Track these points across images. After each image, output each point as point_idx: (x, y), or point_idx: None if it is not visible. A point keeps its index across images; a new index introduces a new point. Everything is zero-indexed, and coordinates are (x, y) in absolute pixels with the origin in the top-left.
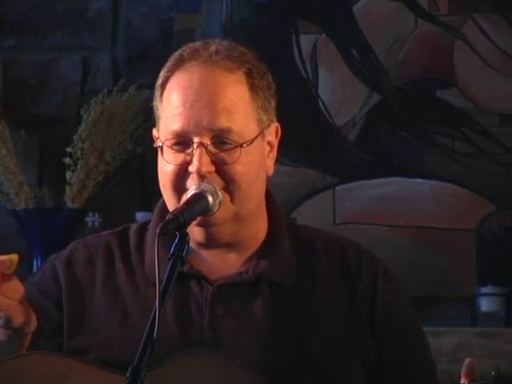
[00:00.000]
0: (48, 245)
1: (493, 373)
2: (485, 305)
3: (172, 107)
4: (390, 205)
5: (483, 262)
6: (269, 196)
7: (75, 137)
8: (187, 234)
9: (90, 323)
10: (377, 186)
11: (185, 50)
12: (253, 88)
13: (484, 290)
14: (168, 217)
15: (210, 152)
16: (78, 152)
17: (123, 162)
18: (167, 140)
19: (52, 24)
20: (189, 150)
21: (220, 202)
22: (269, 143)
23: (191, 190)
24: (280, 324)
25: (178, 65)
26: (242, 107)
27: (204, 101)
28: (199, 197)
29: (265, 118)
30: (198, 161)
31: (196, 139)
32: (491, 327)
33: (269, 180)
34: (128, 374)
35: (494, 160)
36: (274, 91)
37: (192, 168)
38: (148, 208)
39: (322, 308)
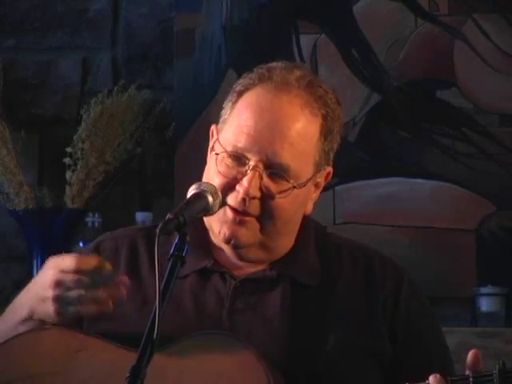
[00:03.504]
0: (48, 245)
1: (497, 366)
2: (485, 305)
3: (242, 121)
4: (390, 205)
5: (483, 262)
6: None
7: (75, 137)
8: (187, 234)
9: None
10: (377, 185)
11: (275, 67)
12: (324, 132)
13: (484, 290)
14: (168, 216)
15: (264, 179)
16: (78, 152)
17: (123, 162)
18: (226, 151)
19: (52, 24)
20: (242, 169)
21: (220, 202)
22: (316, 184)
23: (191, 189)
24: (297, 321)
25: (263, 79)
26: (307, 149)
27: (275, 131)
28: (199, 197)
29: (323, 161)
30: (248, 183)
31: (253, 161)
32: (491, 327)
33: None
34: (128, 374)
35: (493, 160)
36: (340, 134)
37: (239, 187)
38: (148, 208)
39: (340, 310)
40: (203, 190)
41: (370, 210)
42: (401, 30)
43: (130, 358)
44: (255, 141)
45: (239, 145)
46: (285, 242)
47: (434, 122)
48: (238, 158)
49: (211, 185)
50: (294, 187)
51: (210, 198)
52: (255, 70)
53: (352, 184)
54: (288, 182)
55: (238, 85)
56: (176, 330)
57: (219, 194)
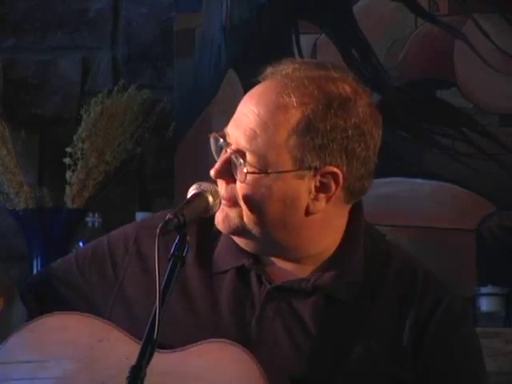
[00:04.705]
0: (48, 245)
1: None
2: (485, 305)
3: (237, 109)
4: (390, 205)
5: (483, 262)
6: (354, 211)
7: (75, 137)
8: (187, 234)
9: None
10: (377, 185)
11: (281, 62)
12: (305, 128)
13: (484, 289)
14: (168, 216)
15: (233, 164)
16: (78, 152)
17: (123, 161)
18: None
19: (52, 24)
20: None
21: (220, 202)
22: (322, 184)
23: (191, 189)
24: (324, 336)
25: (265, 76)
26: (278, 139)
27: (248, 117)
28: (199, 197)
29: (310, 158)
30: (218, 165)
31: (230, 146)
32: (491, 327)
33: (322, 214)
34: (128, 374)
35: (494, 160)
36: (349, 135)
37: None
38: (148, 208)
39: (370, 328)
40: (203, 190)
41: (370, 210)
42: (401, 30)
43: None
44: (233, 125)
45: (227, 129)
46: (296, 243)
47: (434, 122)
48: (228, 142)
49: (211, 185)
50: (247, 172)
51: (211, 198)
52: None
53: None
54: (250, 167)
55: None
56: (208, 329)
57: (220, 193)
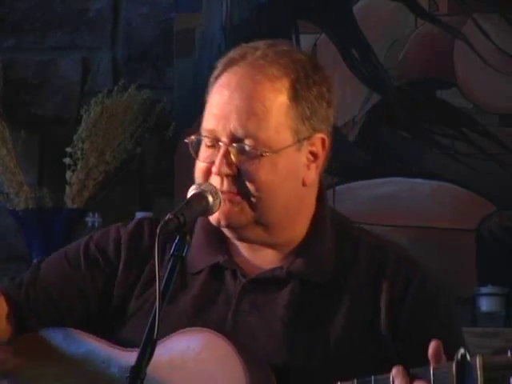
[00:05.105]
0: (48, 245)
1: (455, 357)
2: (485, 305)
3: (210, 105)
4: (390, 205)
5: (483, 262)
6: (319, 198)
7: (75, 137)
8: (187, 234)
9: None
10: (377, 186)
11: (236, 50)
12: (295, 97)
13: (484, 289)
14: (168, 216)
15: (233, 155)
16: (78, 152)
17: (123, 161)
18: (203, 136)
19: (52, 24)
20: (217, 150)
21: (220, 202)
22: (312, 153)
23: (191, 189)
24: (302, 321)
25: (227, 66)
26: (274, 116)
27: (235, 104)
28: (199, 197)
29: (304, 128)
30: (219, 162)
31: (222, 140)
32: (491, 327)
33: (311, 187)
34: (128, 374)
35: (494, 160)
36: (327, 101)
37: (213, 168)
38: (148, 208)
39: (346, 310)
40: (203, 190)
41: (369, 210)
42: (401, 30)
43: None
44: (219, 118)
45: (208, 126)
46: (286, 221)
47: (434, 122)
48: (213, 140)
49: (211, 185)
50: (261, 155)
51: (210, 198)
52: (220, 60)
53: (352, 184)
54: (255, 151)
55: (210, 78)
56: (178, 329)
57: (219, 193)
